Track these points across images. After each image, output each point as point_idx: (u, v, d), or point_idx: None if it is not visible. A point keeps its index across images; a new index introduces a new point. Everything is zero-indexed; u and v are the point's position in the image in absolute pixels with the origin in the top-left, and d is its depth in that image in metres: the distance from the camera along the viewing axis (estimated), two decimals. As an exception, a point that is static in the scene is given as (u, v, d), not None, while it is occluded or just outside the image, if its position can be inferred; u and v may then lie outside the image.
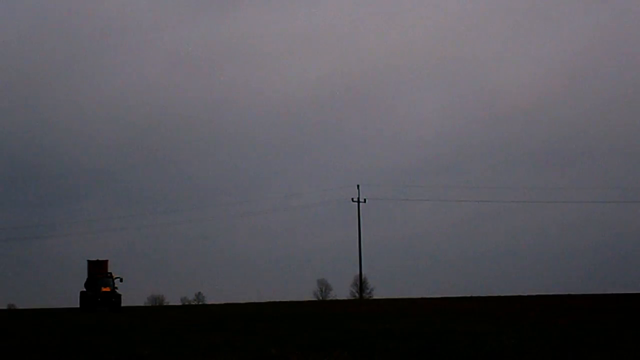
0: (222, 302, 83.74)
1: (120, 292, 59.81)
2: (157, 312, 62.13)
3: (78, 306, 68.16)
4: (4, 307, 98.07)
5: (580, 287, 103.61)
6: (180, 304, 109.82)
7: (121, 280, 59.64)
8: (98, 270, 60.07)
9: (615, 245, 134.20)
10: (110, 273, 60.20)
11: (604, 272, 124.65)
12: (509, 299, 58.77)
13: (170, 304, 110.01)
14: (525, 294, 66.18)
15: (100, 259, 60.93)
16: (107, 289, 59.00)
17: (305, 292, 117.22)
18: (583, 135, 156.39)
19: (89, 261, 60.90)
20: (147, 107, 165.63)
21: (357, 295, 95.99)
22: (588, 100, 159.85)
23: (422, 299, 67.34)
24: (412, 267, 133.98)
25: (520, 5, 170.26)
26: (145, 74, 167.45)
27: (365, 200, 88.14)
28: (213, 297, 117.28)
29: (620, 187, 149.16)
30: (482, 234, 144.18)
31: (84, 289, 60.52)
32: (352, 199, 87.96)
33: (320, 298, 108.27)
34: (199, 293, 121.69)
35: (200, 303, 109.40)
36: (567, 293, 65.62)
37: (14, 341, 28.99)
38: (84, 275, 62.21)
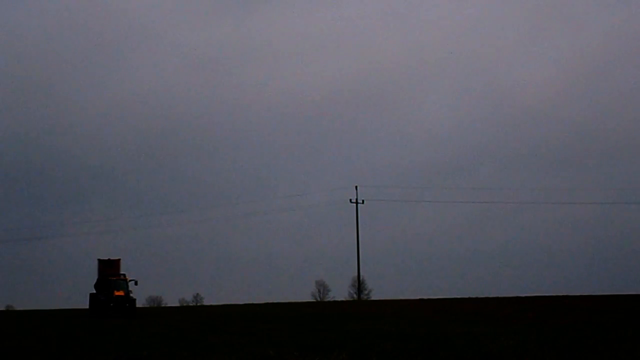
0: (221, 303, 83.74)
1: (134, 297, 53.86)
2: (155, 313, 62.07)
3: (80, 307, 67.19)
4: (2, 308, 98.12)
5: (579, 288, 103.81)
6: (178, 305, 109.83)
7: (136, 283, 53.62)
8: (110, 271, 54.03)
9: (615, 246, 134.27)
10: (124, 274, 54.31)
11: (602, 273, 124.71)
12: (507, 300, 58.82)
13: (168, 305, 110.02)
14: (523, 295, 66.20)
15: (112, 258, 55.31)
16: (121, 293, 52.60)
17: (303, 293, 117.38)
18: (591, 136, 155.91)
19: (99, 260, 55.05)
20: (156, 109, 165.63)
21: (355, 296, 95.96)
22: (599, 100, 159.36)
23: (420, 300, 67.35)
24: (410, 268, 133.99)
25: (532, 5, 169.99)
26: (157, 76, 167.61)
27: (363, 201, 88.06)
28: (211, 299, 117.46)
29: (624, 188, 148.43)
30: (480, 235, 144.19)
31: (94, 291, 54.73)
32: (350, 200, 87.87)
33: (319, 299, 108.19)
34: (197, 294, 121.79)
35: (198, 304, 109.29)
36: (565, 294, 65.63)
37: (14, 342, 28.99)
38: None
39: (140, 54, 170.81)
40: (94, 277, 55.50)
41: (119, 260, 55.33)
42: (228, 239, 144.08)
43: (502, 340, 23.87)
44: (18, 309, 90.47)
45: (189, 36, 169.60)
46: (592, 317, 37.23)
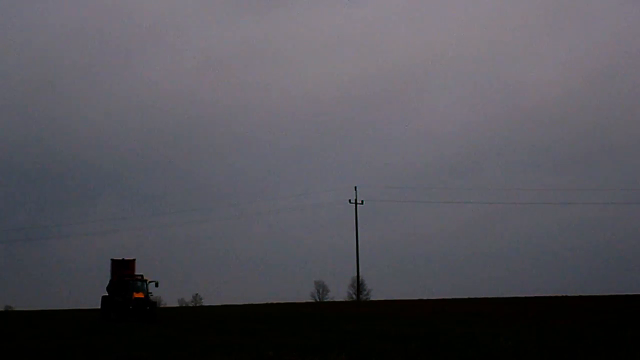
0: (220, 303, 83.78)
1: (154, 300, 49.21)
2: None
3: (81, 308, 66.34)
4: (1, 308, 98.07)
5: (579, 288, 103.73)
6: (177, 305, 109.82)
7: (157, 284, 48.93)
8: (124, 272, 49.63)
9: (615, 246, 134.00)
10: (142, 275, 49.52)
11: (602, 273, 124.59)
12: (506, 301, 58.82)
13: (167, 305, 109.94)
14: (523, 296, 66.23)
15: (126, 257, 51.11)
16: (140, 295, 47.85)
17: (303, 294, 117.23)
18: (599, 137, 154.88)
19: (113, 260, 50.85)
20: (165, 110, 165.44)
21: (354, 296, 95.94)
22: (608, 100, 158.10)
23: (419, 300, 67.37)
24: (409, 268, 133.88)
25: (541, 4, 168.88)
26: (166, 77, 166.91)
27: (362, 202, 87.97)
28: (210, 299, 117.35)
29: (626, 188, 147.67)
30: (479, 235, 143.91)
31: (106, 294, 50.29)
32: (350, 200, 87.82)
33: (318, 300, 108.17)
34: (197, 294, 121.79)
35: (197, 305, 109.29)
36: (564, 294, 65.67)
37: (13, 343, 28.97)
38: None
39: (149, 55, 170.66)
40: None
41: (134, 260, 51.35)
42: (228, 239, 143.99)
43: (501, 341, 23.85)
44: (18, 309, 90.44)
45: (196, 38, 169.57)
46: (592, 317, 37.24)
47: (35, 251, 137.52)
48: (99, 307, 51.57)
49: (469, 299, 65.00)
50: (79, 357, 23.34)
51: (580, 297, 60.99)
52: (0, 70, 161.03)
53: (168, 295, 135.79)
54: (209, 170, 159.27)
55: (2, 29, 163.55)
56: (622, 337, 24.76)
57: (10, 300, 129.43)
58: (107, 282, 50.06)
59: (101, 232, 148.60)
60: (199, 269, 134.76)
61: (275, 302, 74.94)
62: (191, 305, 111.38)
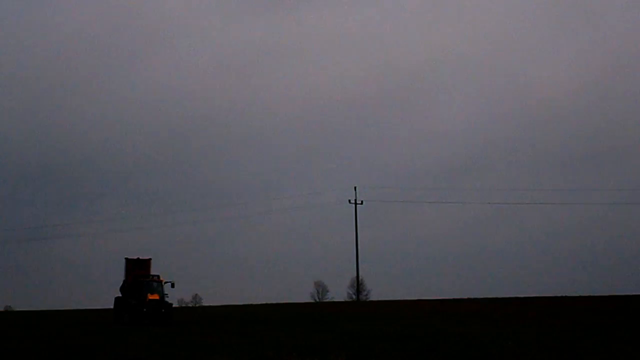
0: (220, 303, 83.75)
1: (171, 302, 47.21)
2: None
3: (83, 308, 65.92)
4: (1, 308, 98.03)
5: (578, 289, 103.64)
6: (177, 305, 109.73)
7: (173, 285, 47.18)
8: (139, 272, 47.57)
9: (615, 246, 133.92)
10: (158, 276, 47.47)
11: (601, 273, 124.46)
12: (507, 301, 58.79)
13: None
14: (523, 296, 66.19)
15: (141, 257, 49.09)
16: (155, 297, 45.89)
17: (302, 294, 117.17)
18: (606, 136, 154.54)
19: (127, 260, 48.66)
20: (171, 111, 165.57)
21: (354, 297, 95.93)
22: (616, 99, 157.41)
23: (419, 300, 67.32)
24: (409, 268, 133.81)
25: (548, 2, 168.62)
26: (174, 78, 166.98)
27: (362, 202, 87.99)
28: (210, 299, 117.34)
29: (627, 188, 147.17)
30: (479, 236, 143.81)
31: (119, 295, 48.33)
32: (350, 200, 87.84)
33: (317, 300, 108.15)
34: (196, 295, 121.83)
35: (197, 305, 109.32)
36: (564, 294, 65.62)
37: (13, 343, 28.96)
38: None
39: (156, 56, 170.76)
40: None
41: (150, 260, 49.13)
42: (227, 240, 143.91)
43: (502, 341, 23.85)
44: (18, 309, 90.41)
45: (199, 39, 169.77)
46: (592, 318, 37.24)
47: (38, 251, 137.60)
48: (100, 307, 50.91)
49: (469, 299, 64.95)
50: (78, 357, 23.32)
51: (580, 297, 60.95)
52: (8, 71, 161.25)
53: (168, 295, 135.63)
54: (209, 171, 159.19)
55: (11, 29, 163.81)
56: (622, 337, 24.76)
57: (12, 300, 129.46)
58: (121, 283, 48.19)
59: (102, 233, 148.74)
60: (199, 269, 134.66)
61: (274, 302, 74.93)
62: (191, 305, 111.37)
